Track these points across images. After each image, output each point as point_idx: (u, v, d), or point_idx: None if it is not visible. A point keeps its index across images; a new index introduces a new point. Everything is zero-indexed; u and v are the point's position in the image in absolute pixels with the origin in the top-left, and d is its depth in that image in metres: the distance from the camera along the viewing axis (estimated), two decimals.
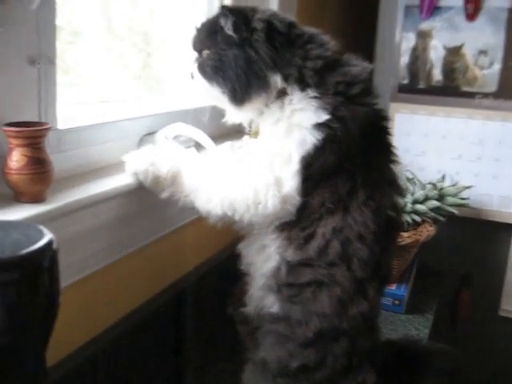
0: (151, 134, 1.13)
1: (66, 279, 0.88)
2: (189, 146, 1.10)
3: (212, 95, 0.99)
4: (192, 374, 1.20)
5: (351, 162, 0.95)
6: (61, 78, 0.92)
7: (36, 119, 0.85)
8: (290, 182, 0.93)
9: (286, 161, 0.93)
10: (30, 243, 0.40)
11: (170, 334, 1.22)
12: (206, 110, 1.18)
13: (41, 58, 0.83)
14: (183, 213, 1.22)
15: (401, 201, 1.05)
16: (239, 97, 0.95)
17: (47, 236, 0.42)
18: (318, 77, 0.94)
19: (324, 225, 0.95)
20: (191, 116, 1.16)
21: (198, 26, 1.00)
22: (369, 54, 1.67)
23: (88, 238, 0.94)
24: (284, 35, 0.95)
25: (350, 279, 0.96)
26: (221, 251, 1.40)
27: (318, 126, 0.91)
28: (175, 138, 1.11)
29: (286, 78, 0.95)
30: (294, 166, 0.92)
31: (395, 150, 1.05)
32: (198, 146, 1.09)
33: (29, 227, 0.46)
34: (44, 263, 0.41)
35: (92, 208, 0.91)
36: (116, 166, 1.02)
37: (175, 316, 1.22)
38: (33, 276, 0.40)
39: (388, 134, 1.04)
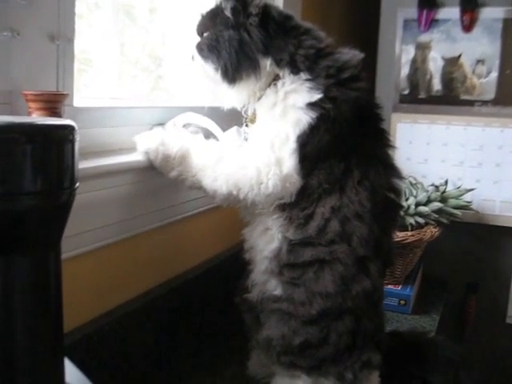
0: (162, 124, 1.19)
1: (71, 249, 0.92)
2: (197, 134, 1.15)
3: (208, 75, 1.04)
4: (198, 363, 1.20)
5: (345, 144, 0.99)
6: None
7: None
8: (289, 161, 0.97)
9: (283, 141, 0.97)
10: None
11: (176, 323, 1.23)
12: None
13: (60, 35, 0.89)
14: (194, 201, 1.26)
15: (400, 183, 1.08)
16: (230, 74, 1.00)
17: (69, 121, 0.48)
18: (309, 62, 0.99)
19: (323, 205, 0.98)
20: (204, 111, 1.20)
21: (203, 12, 1.06)
22: (371, 67, 1.74)
23: (97, 211, 0.97)
24: (279, 24, 1.01)
25: (351, 256, 0.98)
26: (233, 246, 1.42)
27: (312, 105, 0.96)
28: (184, 126, 1.16)
29: (277, 63, 1.00)
30: (291, 144, 0.96)
31: (389, 136, 1.09)
32: (207, 135, 1.13)
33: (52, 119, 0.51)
34: (68, 136, 0.47)
35: (102, 179, 0.95)
36: (126, 151, 1.07)
37: (182, 305, 1.24)
38: (59, 141, 0.46)
39: (381, 120, 1.08)
